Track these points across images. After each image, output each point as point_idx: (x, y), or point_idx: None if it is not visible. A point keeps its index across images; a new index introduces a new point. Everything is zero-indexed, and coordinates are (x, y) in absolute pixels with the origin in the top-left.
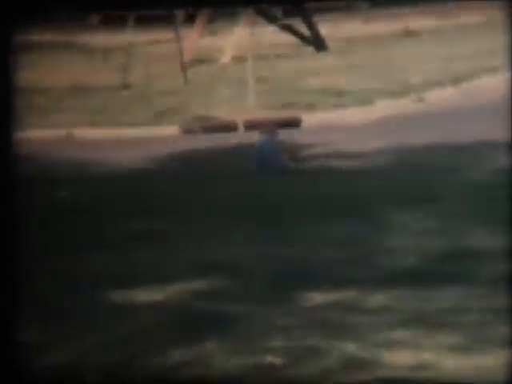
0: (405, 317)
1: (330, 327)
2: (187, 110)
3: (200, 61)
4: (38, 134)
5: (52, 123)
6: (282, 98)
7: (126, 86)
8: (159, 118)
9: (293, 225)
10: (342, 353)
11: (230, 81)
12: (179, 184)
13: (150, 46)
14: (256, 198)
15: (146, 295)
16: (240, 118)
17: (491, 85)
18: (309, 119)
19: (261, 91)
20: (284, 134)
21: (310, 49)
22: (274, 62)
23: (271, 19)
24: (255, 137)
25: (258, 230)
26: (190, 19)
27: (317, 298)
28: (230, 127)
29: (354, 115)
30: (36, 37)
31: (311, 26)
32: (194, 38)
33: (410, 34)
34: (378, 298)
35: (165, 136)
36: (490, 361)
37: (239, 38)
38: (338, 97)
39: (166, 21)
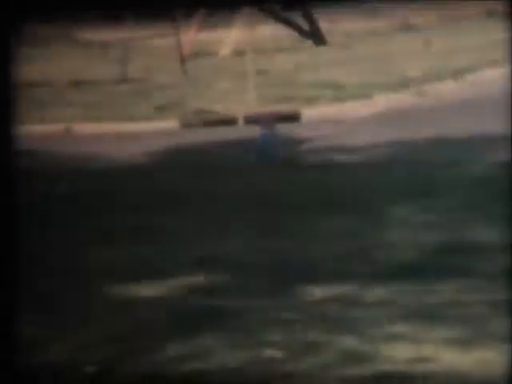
0: (404, 311)
1: (329, 321)
2: (186, 104)
3: (199, 54)
4: (37, 129)
5: (51, 118)
6: (281, 91)
7: (125, 80)
8: (158, 112)
9: (292, 219)
10: (342, 347)
11: (230, 75)
12: (178, 178)
13: (149, 40)
14: (255, 192)
15: (145, 290)
16: (239, 112)
17: (491, 78)
18: (308, 113)
19: (260, 85)
20: (283, 128)
21: (310, 43)
22: (274, 55)
23: (271, 13)
24: (255, 131)
25: (257, 224)
26: (189, 13)
27: (316, 292)
28: (229, 121)
29: (353, 109)
30: (35, 31)
31: (311, 20)
32: (193, 32)
33: (409, 27)
34: (377, 292)
35: (164, 130)
36: (489, 354)
37: (239, 32)
38: (338, 91)
39: (165, 15)
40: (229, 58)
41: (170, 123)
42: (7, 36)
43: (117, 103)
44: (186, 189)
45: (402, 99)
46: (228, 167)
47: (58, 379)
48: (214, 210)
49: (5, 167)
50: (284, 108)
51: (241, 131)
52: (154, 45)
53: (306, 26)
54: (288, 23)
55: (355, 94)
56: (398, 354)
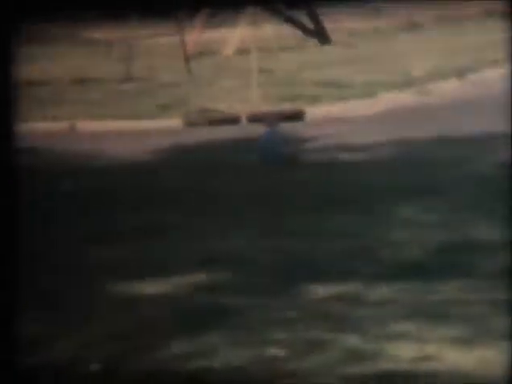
0: (407, 309)
1: (332, 320)
2: (190, 103)
3: (203, 53)
4: (40, 127)
5: (54, 116)
6: (285, 90)
7: (129, 79)
8: (162, 110)
9: (295, 217)
10: (345, 345)
11: (234, 73)
12: (182, 177)
13: (153, 39)
14: (259, 191)
15: (148, 288)
16: (243, 111)
17: (494, 77)
18: (312, 112)
19: (264, 84)
20: (287, 127)
21: (314, 42)
22: (278, 54)
23: (275, 12)
24: (258, 129)
25: (260, 222)
26: (193, 12)
27: (320, 290)
28: (233, 120)
29: (356, 108)
30: (40, 30)
31: (315, 19)
32: (198, 31)
33: (413, 26)
34: (380, 291)
35: (168, 128)
36: (492, 353)
37: (243, 31)
38: (341, 89)
39: (169, 13)
40: (233, 57)
41: (174, 122)
42: (9, 35)
43: (121, 102)
44: (189, 187)
45: (405, 98)
46: (231, 166)
47: (62, 378)
48: (217, 208)
49: (8, 165)
50: (288, 107)
51: (244, 130)
52: (157, 43)
53: (310, 25)
54: (292, 22)
55: (359, 93)
56: (401, 352)
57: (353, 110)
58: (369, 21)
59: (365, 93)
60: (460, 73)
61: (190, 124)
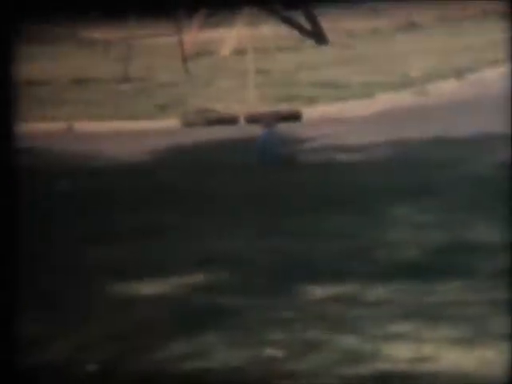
0: (405, 310)
1: (329, 320)
2: (188, 103)
3: (201, 54)
4: (39, 127)
5: (53, 116)
6: (282, 91)
7: (127, 79)
8: (160, 110)
9: (293, 218)
10: (342, 346)
11: (231, 74)
12: (179, 177)
13: (151, 39)
14: (256, 191)
15: (146, 288)
16: (240, 111)
17: (492, 77)
18: (309, 112)
19: (261, 84)
20: (284, 128)
21: (311, 42)
22: (275, 55)
23: (272, 12)
24: (256, 130)
25: (258, 223)
26: (191, 12)
27: (317, 291)
28: (230, 120)
29: (354, 109)
30: (38, 29)
31: (312, 20)
32: (195, 31)
33: (411, 27)
34: (378, 291)
35: (165, 129)
36: (490, 354)
37: (240, 31)
38: (339, 90)
39: (167, 14)
40: (230, 58)
41: (172, 122)
42: (8, 35)
43: (119, 102)
44: (187, 187)
45: (403, 99)
46: (229, 166)
47: (60, 378)
48: (214, 208)
49: (7, 165)
50: (285, 107)
51: (242, 130)
52: (155, 44)
53: (307, 26)
54: (289, 22)
55: (356, 94)
56: (399, 353)
57: (350, 111)
58: (366, 21)
59: (362, 93)
60: (458, 73)
61: (188, 124)
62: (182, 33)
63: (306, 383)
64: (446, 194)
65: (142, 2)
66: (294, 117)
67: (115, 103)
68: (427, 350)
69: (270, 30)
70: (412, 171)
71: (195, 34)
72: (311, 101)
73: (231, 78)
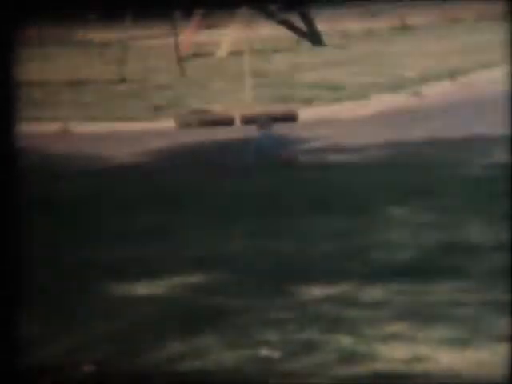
0: (401, 310)
1: (326, 321)
2: (184, 104)
3: (197, 55)
4: (35, 128)
5: (49, 117)
6: (278, 92)
7: (122, 80)
8: (156, 112)
9: (290, 218)
10: (339, 346)
11: (227, 75)
12: (176, 178)
13: (147, 41)
14: (253, 192)
15: (144, 288)
16: (237, 112)
17: (488, 79)
18: (305, 114)
19: (257, 85)
20: (280, 129)
21: (307, 43)
22: (271, 56)
23: (268, 14)
24: (252, 131)
25: (255, 224)
26: (187, 14)
27: (314, 291)
28: (226, 121)
29: (350, 109)
30: (34, 31)
31: (308, 21)
32: (191, 33)
33: (406, 28)
34: (375, 292)
35: (162, 130)
36: (486, 354)
37: (236, 33)
38: (335, 91)
39: (163, 16)
40: (226, 59)
41: (168, 123)
42: (8, 37)
43: (115, 103)
44: (183, 189)
45: (398, 100)
46: (225, 167)
47: (58, 378)
48: (211, 209)
49: (4, 166)
50: (281, 108)
51: (238, 131)
52: (152, 45)
53: (303, 27)
54: (285, 24)
55: (352, 95)
56: (395, 353)
57: (346, 112)
58: (362, 22)
59: (359, 94)
60: (453, 75)
61: (184, 125)
62: (178, 34)
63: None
64: (442, 195)
65: (138, 3)
66: (290, 118)
67: (111, 104)
68: (423, 350)
69: (267, 32)
70: (407, 172)
71: (191, 36)
72: (307, 102)
73: (227, 79)
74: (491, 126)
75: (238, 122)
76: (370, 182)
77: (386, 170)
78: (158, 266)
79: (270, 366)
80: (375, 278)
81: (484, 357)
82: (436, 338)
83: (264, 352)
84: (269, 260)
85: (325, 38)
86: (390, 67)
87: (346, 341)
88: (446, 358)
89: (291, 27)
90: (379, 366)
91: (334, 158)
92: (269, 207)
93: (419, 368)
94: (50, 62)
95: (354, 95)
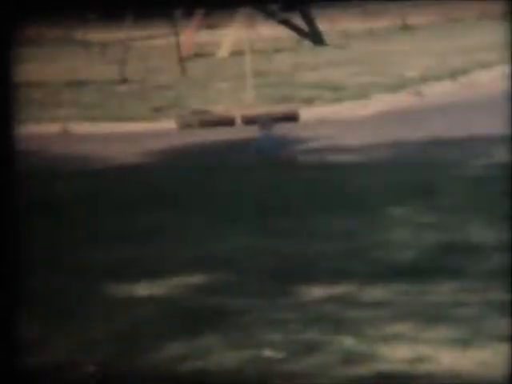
0: (403, 311)
1: (328, 321)
2: (185, 105)
3: (198, 55)
4: (35, 129)
5: (49, 117)
6: (279, 92)
7: (123, 81)
8: (156, 112)
9: (291, 219)
10: (341, 347)
11: (228, 75)
12: (177, 178)
13: (147, 41)
14: (254, 192)
15: (145, 289)
16: (238, 113)
17: (489, 79)
18: (306, 113)
19: (258, 85)
20: (282, 129)
21: (308, 43)
22: (272, 56)
23: (269, 14)
24: (253, 131)
25: (256, 223)
26: (188, 14)
27: (315, 291)
28: (227, 121)
29: (351, 110)
30: (34, 31)
31: (309, 21)
32: (192, 33)
33: (407, 28)
34: (376, 292)
35: (162, 130)
36: (488, 355)
37: (237, 33)
38: (336, 91)
39: (164, 16)
40: (227, 59)
41: (169, 124)
42: (7, 36)
43: (115, 103)
44: (184, 189)
45: (398, 100)
46: (226, 167)
47: (59, 379)
48: (212, 210)
49: (3, 167)
50: (282, 108)
51: (239, 131)
52: (152, 45)
53: (304, 27)
54: (287, 24)
55: (353, 95)
56: (397, 354)
57: (347, 112)
58: (363, 22)
59: (359, 94)
60: (454, 74)
61: (185, 126)
62: (178, 34)
63: None
64: (443, 195)
65: (139, 2)
66: (292, 118)
67: (112, 105)
68: (425, 350)
69: (268, 32)
70: (408, 172)
71: (192, 36)
72: (308, 102)
73: (228, 79)
74: (492, 125)
75: (239, 122)
76: (371, 182)
77: (387, 169)
78: (158, 266)
79: (271, 366)
80: (377, 278)
81: (486, 357)
82: (438, 339)
83: (266, 352)
84: (270, 260)
85: (326, 38)
86: (391, 67)
87: (348, 341)
88: (448, 359)
89: (292, 27)
90: (381, 367)
91: (334, 157)
92: (270, 207)
93: (421, 368)
94: (51, 62)
95: (355, 95)
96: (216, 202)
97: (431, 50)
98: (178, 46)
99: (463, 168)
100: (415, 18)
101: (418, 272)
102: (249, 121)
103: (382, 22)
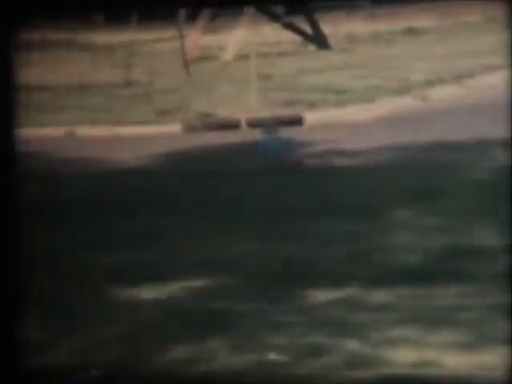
0: (407, 314)
1: (332, 325)
2: (189, 108)
3: (202, 58)
4: (40, 132)
5: (54, 121)
6: (283, 95)
7: (128, 84)
8: (161, 116)
9: (295, 222)
10: (345, 350)
11: (233, 78)
12: (181, 182)
13: (152, 44)
14: (257, 196)
15: (148, 293)
16: (242, 116)
17: (492, 83)
18: (311, 117)
19: (263, 89)
20: (286, 132)
21: (313, 47)
22: (277, 59)
23: (274, 17)
24: (257, 135)
25: (260, 227)
26: (193, 17)
27: (319, 295)
28: (232, 125)
29: (355, 113)
30: (38, 34)
31: (314, 24)
32: (197, 36)
33: (411, 32)
34: (380, 296)
35: (167, 134)
36: (491, 358)
37: (242, 36)
38: (340, 95)
39: (169, 18)
40: (232, 62)
41: (173, 127)
42: (10, 39)
43: (120, 107)
44: (188, 193)
45: (403, 103)
46: (230, 171)
47: (63, 382)
48: (216, 213)
49: (7, 170)
50: (286, 112)
51: (243, 135)
52: (157, 49)
53: (308, 30)
54: (291, 27)
55: (358, 98)
56: (401, 357)
57: (352, 116)
58: (367, 25)
59: (364, 98)
60: (459, 78)
61: (190, 129)
62: (183, 38)
63: None
64: (447, 199)
65: (144, 4)
66: (296, 121)
67: (116, 108)
68: (429, 354)
69: (272, 35)
70: (413, 176)
71: (197, 39)
72: (313, 105)
73: (233, 83)
74: (496, 129)
75: (243, 125)
76: (375, 186)
77: (391, 173)
78: (163, 269)
79: (276, 369)
80: (381, 282)
81: (490, 360)
82: (442, 342)
83: (270, 356)
84: (275, 264)
85: (330, 41)
86: (396, 70)
87: (352, 345)
88: (452, 362)
89: (297, 30)
90: (385, 370)
91: (339, 161)
92: (274, 211)
93: (425, 372)
94: (55, 65)
95: (360, 99)
96: (220, 206)
97: (436, 53)
98: (182, 49)
99: (467, 171)
100: (420, 22)
101: (421, 276)
102: (253, 124)
103: (386, 26)
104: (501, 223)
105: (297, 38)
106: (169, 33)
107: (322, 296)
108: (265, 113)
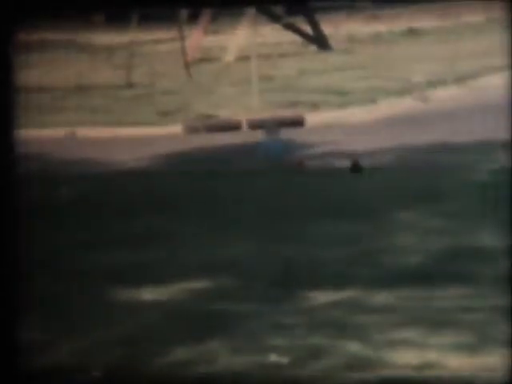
0: (408, 316)
1: (333, 326)
2: (190, 109)
3: (204, 60)
4: (40, 133)
5: (55, 122)
6: (285, 97)
7: (129, 85)
8: (162, 117)
9: (296, 224)
10: (346, 352)
11: (234, 80)
12: (182, 183)
13: (153, 45)
14: (258, 197)
15: (149, 294)
16: (243, 118)
17: (493, 84)
18: (312, 118)
19: (264, 90)
20: (287, 134)
21: (314, 48)
22: (278, 61)
23: (275, 18)
24: (259, 136)
25: (261, 228)
26: (194, 18)
27: (320, 297)
28: (233, 126)
29: (357, 115)
30: (39, 35)
31: (315, 25)
32: (198, 37)
33: (412, 33)
34: (381, 298)
35: (168, 135)
36: (493, 360)
37: (243, 37)
38: (341, 96)
39: (170, 19)
40: (233, 64)
41: (174, 128)
42: (10, 40)
43: (121, 108)
44: (189, 194)
45: (405, 105)
46: (231, 172)
47: (62, 383)
48: (216, 214)
49: (7, 171)
50: (288, 113)
51: (244, 136)
52: (158, 50)
53: (309, 31)
54: (292, 28)
55: (359, 100)
56: (403, 359)
57: (353, 117)
58: (368, 26)
59: (365, 99)
60: (460, 79)
61: (191, 131)
62: (184, 39)
63: None
64: (449, 200)
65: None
66: (297, 123)
67: (118, 110)
68: (432, 356)
69: (273, 36)
70: (415, 177)
71: (198, 40)
72: (314, 107)
73: (234, 84)
74: (499, 130)
75: (245, 127)
76: (377, 187)
77: (393, 174)
78: (163, 271)
79: (277, 371)
80: (383, 284)
81: (492, 362)
82: (444, 344)
83: (271, 357)
84: (276, 265)
85: (331, 42)
86: (397, 71)
87: (353, 346)
88: (454, 364)
89: (298, 32)
90: (387, 372)
91: (340, 163)
92: (276, 212)
93: (426, 374)
94: (55, 66)
95: (361, 100)
96: (221, 207)
97: (437, 54)
98: (183, 50)
99: (469, 173)
100: (421, 22)
101: (423, 277)
102: (255, 126)
103: (387, 26)
104: (502, 225)
105: (298, 38)
106: (169, 34)
107: (322, 297)
108: (266, 114)
